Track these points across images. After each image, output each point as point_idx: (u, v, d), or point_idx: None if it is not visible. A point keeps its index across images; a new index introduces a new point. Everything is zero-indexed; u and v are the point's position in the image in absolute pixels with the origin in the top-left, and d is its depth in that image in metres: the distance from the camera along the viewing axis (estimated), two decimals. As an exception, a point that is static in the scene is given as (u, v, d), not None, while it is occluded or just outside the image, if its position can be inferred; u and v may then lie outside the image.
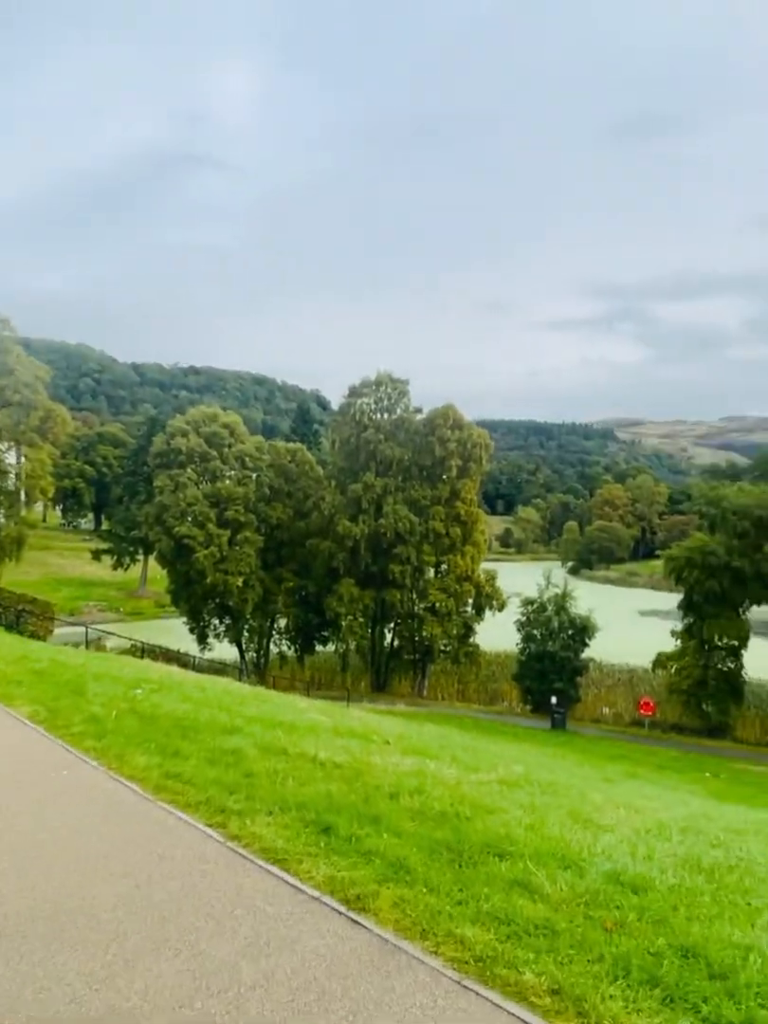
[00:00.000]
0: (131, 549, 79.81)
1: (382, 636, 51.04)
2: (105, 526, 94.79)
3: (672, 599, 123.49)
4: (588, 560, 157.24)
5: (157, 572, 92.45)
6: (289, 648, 53.47)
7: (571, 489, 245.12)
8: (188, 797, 6.31)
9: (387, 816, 5.67)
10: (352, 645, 48.24)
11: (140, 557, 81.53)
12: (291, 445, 57.22)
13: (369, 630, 49.86)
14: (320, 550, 48.75)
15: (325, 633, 52.13)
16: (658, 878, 4.87)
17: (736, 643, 39.90)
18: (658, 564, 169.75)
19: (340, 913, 4.10)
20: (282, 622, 53.26)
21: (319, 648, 53.30)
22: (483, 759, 10.92)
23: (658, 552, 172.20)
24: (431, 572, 49.96)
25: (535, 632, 44.40)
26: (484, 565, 50.99)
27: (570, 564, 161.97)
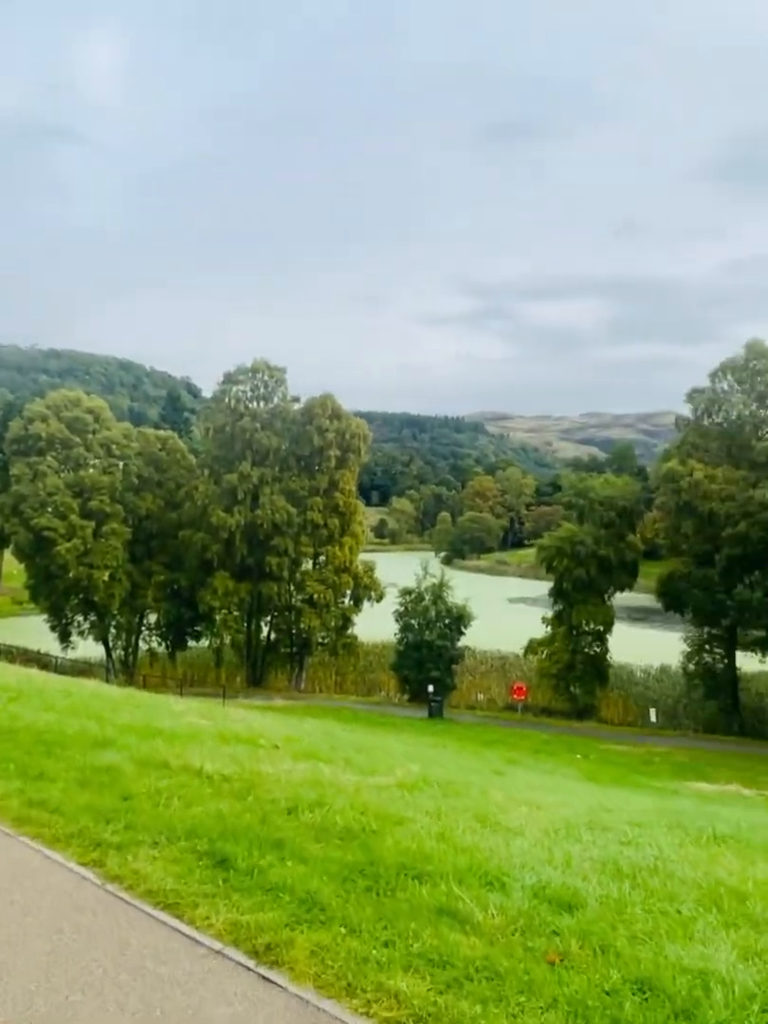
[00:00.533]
0: (-18, 543, 73.77)
1: (258, 630, 49.93)
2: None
3: (540, 587, 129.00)
4: (460, 550, 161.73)
5: (14, 567, 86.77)
6: (160, 645, 51.30)
7: (444, 481, 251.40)
8: (56, 829, 5.45)
9: (290, 839, 5.10)
10: (227, 640, 46.86)
11: (-7, 551, 75.62)
12: (161, 433, 54.76)
13: (245, 624, 48.63)
14: (193, 542, 46.94)
15: (198, 628, 50.40)
16: (584, 889, 4.60)
17: (602, 628, 41.97)
18: (526, 553, 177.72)
19: (248, 969, 3.50)
20: (152, 618, 51.00)
21: (192, 644, 51.45)
22: (377, 759, 10.53)
23: (526, 542, 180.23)
24: (309, 564, 49.36)
25: (413, 622, 44.79)
26: (362, 556, 50.94)
27: (443, 554, 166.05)
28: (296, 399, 50.40)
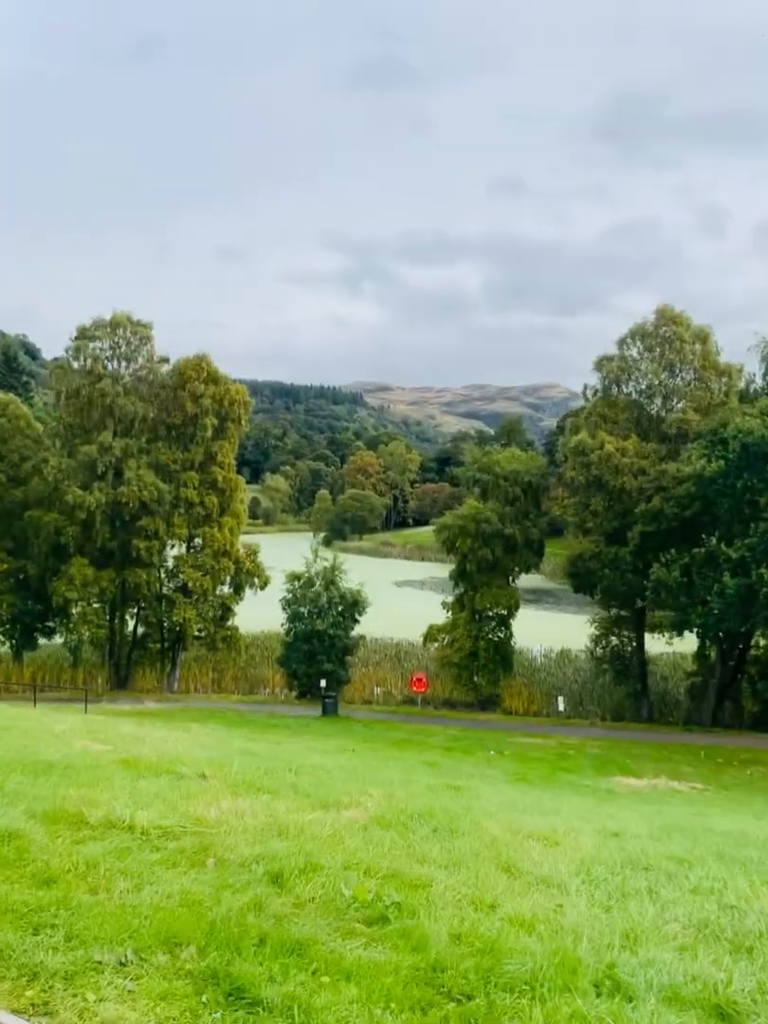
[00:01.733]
0: None
1: (123, 624, 47.13)
2: None
3: (426, 569, 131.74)
4: (341, 530, 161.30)
5: None
6: (3, 644, 47.41)
7: (321, 456, 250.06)
8: (-49, 949, 3.95)
9: (310, 937, 3.91)
10: (86, 636, 43.81)
11: None
12: (1, 395, 50.28)
13: (107, 618, 45.70)
14: (43, 524, 43.48)
15: (50, 624, 46.94)
16: (717, 980, 3.71)
17: (506, 612, 42.43)
18: (412, 534, 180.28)
19: None
20: (-6, 613, 46.94)
21: (43, 642, 47.88)
22: (324, 783, 9.40)
23: (411, 521, 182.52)
24: (182, 547, 47.00)
25: (302, 610, 43.60)
26: (242, 538, 49.09)
27: (322, 535, 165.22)
28: (164, 359, 47.63)
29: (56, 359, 47.03)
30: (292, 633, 43.93)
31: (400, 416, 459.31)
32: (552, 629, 54.92)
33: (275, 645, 53.94)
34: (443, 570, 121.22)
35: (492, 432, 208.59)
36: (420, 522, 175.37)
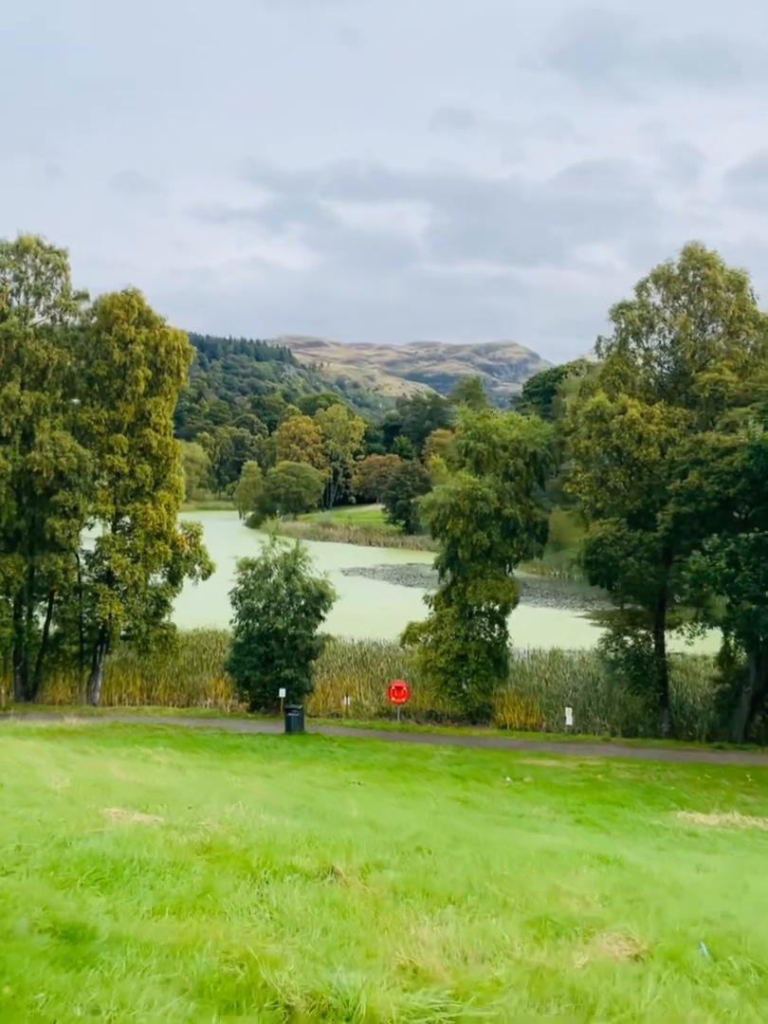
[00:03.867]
0: None
1: (32, 621, 44.19)
2: None
3: (375, 555, 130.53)
4: (271, 508, 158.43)
5: None
6: None
7: (245, 420, 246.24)
8: None
9: None
10: (-12, 636, 40.73)
11: None
12: None
13: (12, 613, 42.66)
14: (-67, 497, 40.19)
15: (-60, 621, 43.62)
16: None
17: (500, 608, 41.14)
18: (356, 512, 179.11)
19: None
20: None
21: (-70, 643, 44.57)
22: (472, 868, 7.59)
23: (353, 498, 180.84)
24: (107, 527, 44.28)
25: (257, 605, 41.56)
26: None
27: (249, 514, 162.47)
28: (83, 295, 44.50)
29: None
30: (244, 632, 41.89)
31: (334, 376, 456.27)
32: (535, 626, 53.96)
33: (215, 647, 51.98)
34: (395, 556, 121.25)
35: (443, 397, 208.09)
36: (365, 500, 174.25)
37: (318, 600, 41.77)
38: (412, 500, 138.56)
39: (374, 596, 78.67)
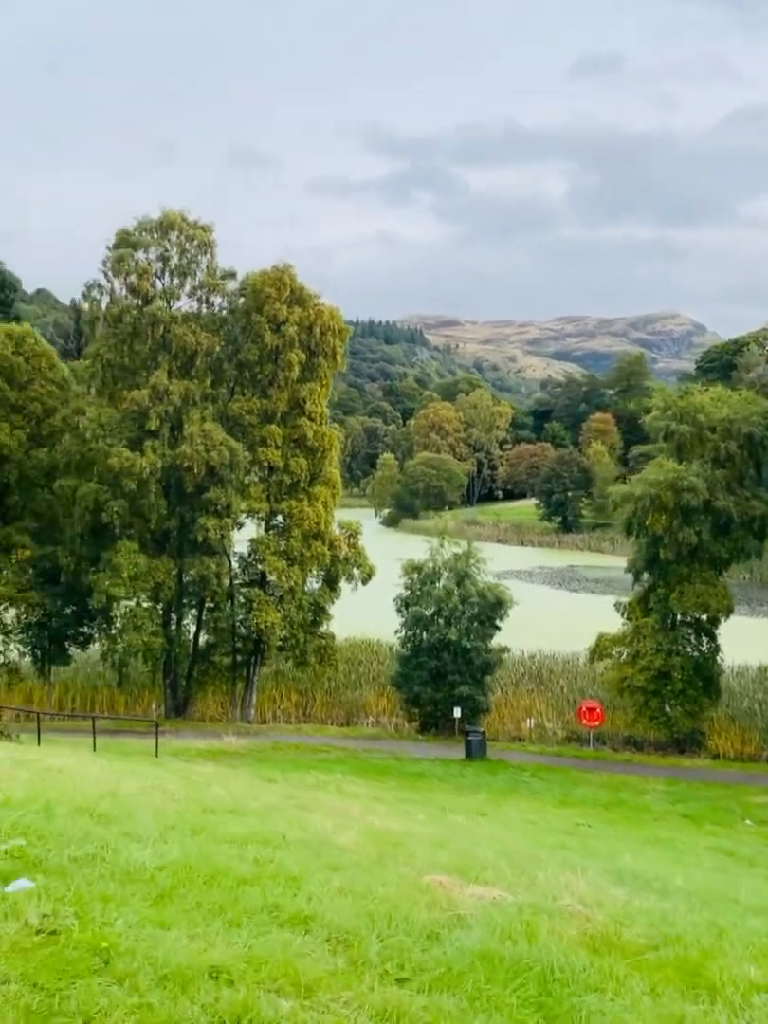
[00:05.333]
0: None
1: (181, 630, 44.80)
2: None
3: (530, 556, 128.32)
4: (410, 506, 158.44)
5: None
6: (24, 655, 45.56)
7: (377, 410, 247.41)
8: None
9: None
10: (137, 646, 41.36)
11: None
12: (15, 327, 48.30)
13: (161, 622, 43.33)
14: (79, 497, 41.22)
15: (87, 629, 44.90)
16: None
17: (709, 618, 38.92)
18: (505, 509, 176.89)
19: None
20: (10, 614, 45.17)
21: (77, 653, 45.95)
22: None
23: (499, 493, 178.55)
24: (260, 527, 44.44)
25: (426, 613, 40.79)
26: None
27: (386, 511, 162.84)
28: (230, 274, 44.84)
29: (92, 285, 43.96)
30: (411, 643, 41.18)
31: (471, 358, 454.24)
32: (751, 640, 51.03)
33: (371, 658, 51.63)
34: (552, 557, 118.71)
35: (599, 377, 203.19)
36: (513, 494, 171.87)
37: (494, 608, 40.68)
38: (569, 494, 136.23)
39: (537, 602, 76.70)
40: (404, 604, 41.58)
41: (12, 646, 45.30)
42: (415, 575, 41.86)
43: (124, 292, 43.30)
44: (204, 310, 44.24)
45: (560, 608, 71.29)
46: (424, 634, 40.79)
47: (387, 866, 7.65)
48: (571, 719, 41.09)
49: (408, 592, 41.75)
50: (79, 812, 7.97)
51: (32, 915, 5.00)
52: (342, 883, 6.73)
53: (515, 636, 50.46)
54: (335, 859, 7.69)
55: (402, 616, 41.76)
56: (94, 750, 28.28)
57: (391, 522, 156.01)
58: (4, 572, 43.89)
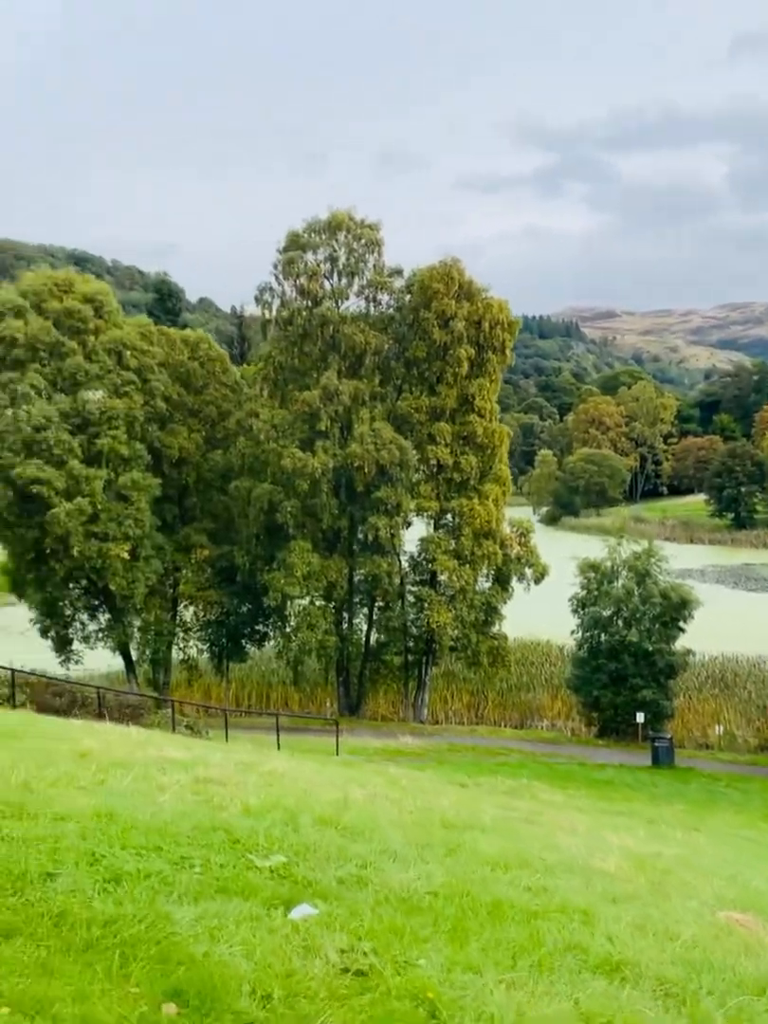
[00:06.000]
0: None
1: (353, 629, 45.02)
2: None
3: (700, 555, 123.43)
4: (569, 503, 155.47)
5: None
6: (202, 653, 46.82)
7: (532, 405, 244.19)
8: None
9: None
10: (313, 644, 41.72)
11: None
12: (190, 333, 49.65)
13: (333, 621, 43.62)
14: (254, 498, 41.93)
15: (261, 628, 45.73)
16: None
17: None
18: (671, 505, 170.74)
19: None
20: (190, 612, 46.52)
21: (252, 651, 46.92)
22: None
23: (664, 489, 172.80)
24: (430, 526, 44.17)
25: (604, 613, 39.49)
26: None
27: (544, 509, 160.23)
28: (397, 272, 44.77)
29: (264, 288, 44.67)
30: (588, 646, 39.97)
31: (629, 350, 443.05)
32: None
33: (543, 660, 50.58)
34: (724, 556, 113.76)
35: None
36: (679, 490, 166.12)
37: (678, 608, 38.99)
38: (742, 489, 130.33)
39: (712, 602, 73.37)
40: (580, 605, 40.43)
41: (191, 643, 46.63)
42: (591, 575, 40.62)
43: (294, 294, 43.88)
44: (372, 309, 44.32)
45: (737, 608, 68.08)
46: (602, 636, 39.52)
47: (670, 899, 6.98)
48: (763, 726, 38.96)
49: (584, 592, 40.58)
50: (323, 824, 7.62)
51: (330, 950, 4.60)
52: (634, 919, 6.11)
53: (692, 637, 48.47)
54: (609, 888, 7.06)
55: (578, 617, 40.61)
56: (278, 748, 28.57)
57: (551, 520, 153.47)
58: (184, 571, 45.29)
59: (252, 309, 56.09)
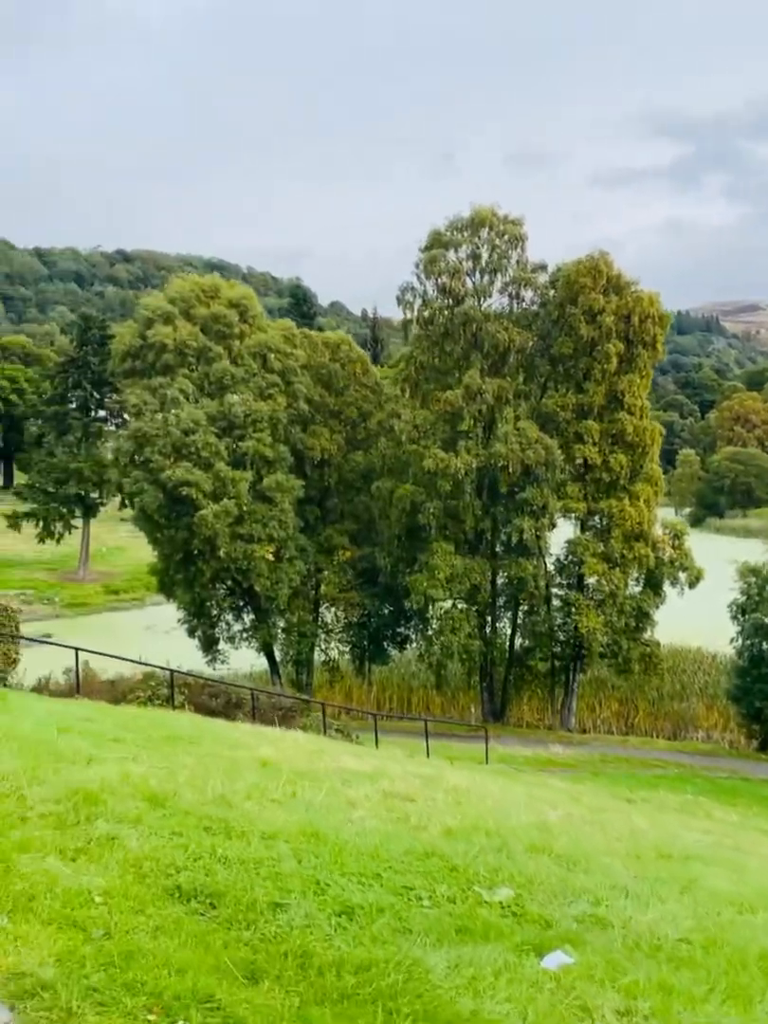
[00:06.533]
0: (64, 511, 73.15)
1: (497, 634, 44.29)
2: (22, 480, 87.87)
3: None
4: (714, 504, 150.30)
5: (102, 543, 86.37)
6: (343, 654, 46.98)
7: (672, 403, 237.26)
8: None
9: None
10: (455, 647, 41.18)
11: (77, 522, 74.81)
12: (331, 335, 50.01)
13: (477, 624, 42.97)
14: (396, 499, 41.72)
15: (403, 630, 45.55)
16: None
17: None
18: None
19: None
20: (331, 614, 46.75)
21: (393, 654, 46.79)
22: None
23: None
24: (577, 528, 43.05)
25: (767, 621, 37.61)
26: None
27: (688, 510, 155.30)
28: (541, 267, 43.88)
29: (406, 288, 44.41)
30: (750, 654, 38.11)
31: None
32: None
33: (695, 668, 48.67)
34: None
35: None
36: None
37: None
38: None
39: None
40: (740, 611, 38.60)
41: (332, 644, 46.86)
42: (752, 579, 38.73)
43: (435, 293, 43.52)
44: (515, 306, 43.56)
45: None
46: (764, 644, 37.62)
47: None
48: None
49: (744, 598, 38.72)
50: (535, 851, 7.09)
51: (607, 1011, 4.05)
52: None
53: None
54: None
55: (737, 624, 38.79)
56: (427, 755, 28.18)
57: (695, 521, 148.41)
58: (326, 573, 45.50)
59: (384, 311, 56.00)
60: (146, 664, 22.85)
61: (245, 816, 6.82)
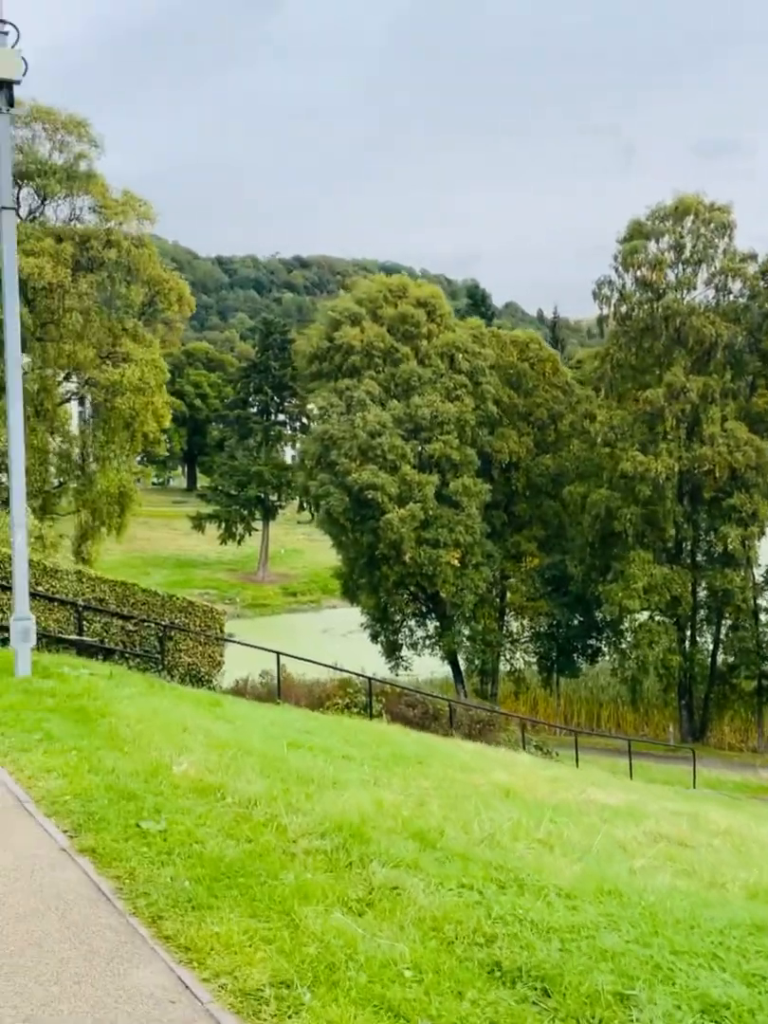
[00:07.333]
0: (245, 513, 74.82)
1: (698, 648, 41.98)
2: (205, 482, 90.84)
3: None
4: None
5: (281, 545, 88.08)
6: (530, 665, 45.73)
7: None
8: None
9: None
10: (653, 662, 39.24)
11: (258, 525, 76.41)
12: (519, 333, 48.96)
13: (676, 638, 40.83)
14: (589, 504, 40.25)
15: (595, 642, 43.90)
16: None
17: None
18: None
19: None
20: (518, 623, 45.61)
21: (584, 667, 45.15)
22: None
23: None
24: (786, 537, 40.40)
25: None
26: None
27: None
28: (751, 256, 41.36)
29: (603, 282, 42.79)
30: None
31: None
32: None
33: None
34: None
35: None
36: None
37: None
38: None
39: None
40: None
41: (518, 654, 45.73)
42: None
43: (634, 287, 41.78)
44: (722, 299, 41.26)
45: None
46: None
47: None
48: None
49: None
50: None
51: None
52: None
53: None
54: None
55: None
56: (630, 776, 26.74)
57: None
58: (512, 580, 44.45)
59: (564, 311, 54.36)
60: (343, 670, 22.50)
61: (525, 865, 5.93)
